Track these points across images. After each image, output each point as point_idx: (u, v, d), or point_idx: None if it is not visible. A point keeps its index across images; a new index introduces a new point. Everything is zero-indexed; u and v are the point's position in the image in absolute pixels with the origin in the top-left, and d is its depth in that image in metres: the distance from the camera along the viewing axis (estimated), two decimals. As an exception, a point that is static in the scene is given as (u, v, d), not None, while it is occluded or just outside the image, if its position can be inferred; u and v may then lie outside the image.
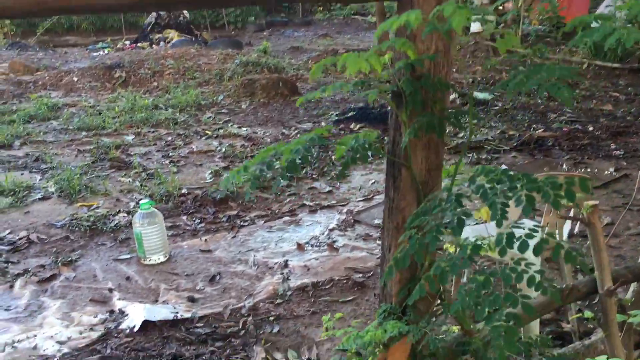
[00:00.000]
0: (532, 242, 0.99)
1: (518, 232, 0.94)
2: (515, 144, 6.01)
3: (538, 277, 0.97)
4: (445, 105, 1.14)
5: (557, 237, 2.65)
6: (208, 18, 18.26)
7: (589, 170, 5.22)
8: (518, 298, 0.96)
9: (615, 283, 1.42)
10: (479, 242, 1.01)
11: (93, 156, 5.96)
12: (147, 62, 10.32)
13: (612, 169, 5.17)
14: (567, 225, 2.71)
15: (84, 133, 6.92)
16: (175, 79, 9.81)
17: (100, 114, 7.73)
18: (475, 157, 5.78)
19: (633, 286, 1.77)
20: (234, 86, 8.99)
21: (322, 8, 20.93)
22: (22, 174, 5.45)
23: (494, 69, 9.63)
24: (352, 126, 6.93)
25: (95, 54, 14.44)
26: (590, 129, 6.41)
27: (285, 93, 8.63)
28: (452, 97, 8.28)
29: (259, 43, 14.55)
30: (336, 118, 7.27)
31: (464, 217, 0.97)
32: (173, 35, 15.16)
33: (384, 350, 1.32)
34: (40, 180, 5.32)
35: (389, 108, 6.12)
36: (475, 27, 10.42)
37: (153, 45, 14.43)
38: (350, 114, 7.26)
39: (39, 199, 4.87)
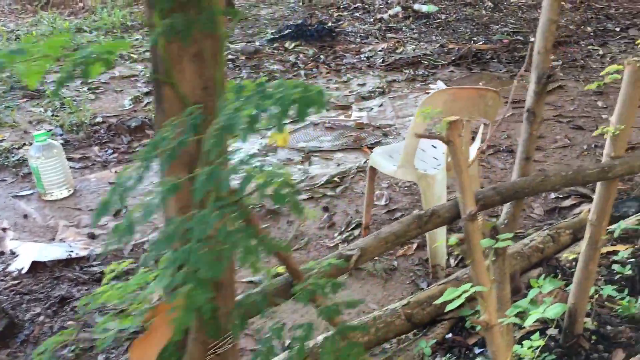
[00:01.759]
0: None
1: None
2: (453, 58, 5.79)
3: (286, 189, 0.79)
4: (212, 5, 0.88)
5: (471, 158, 2.49)
6: None
7: (523, 82, 5.05)
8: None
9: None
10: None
11: (4, 85, 5.51)
12: (73, -19, 9.54)
13: (547, 81, 5.02)
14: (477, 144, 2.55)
15: (-2, 60, 6.40)
16: (104, -2, 9.11)
17: (17, 39, 7.15)
18: (412, 73, 5.55)
19: (506, 208, 1.63)
20: (166, 5, 8.41)
21: None
22: None
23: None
24: (287, 44, 6.57)
25: (21, -26, 13.34)
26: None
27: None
28: (395, 10, 7.91)
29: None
30: (271, 36, 6.88)
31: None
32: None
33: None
34: (-58, 113, 4.89)
35: (328, 24, 5.66)
36: None
37: (84, -37, 13.37)
38: (286, 32, 6.88)
39: (-61, 134, 4.48)
